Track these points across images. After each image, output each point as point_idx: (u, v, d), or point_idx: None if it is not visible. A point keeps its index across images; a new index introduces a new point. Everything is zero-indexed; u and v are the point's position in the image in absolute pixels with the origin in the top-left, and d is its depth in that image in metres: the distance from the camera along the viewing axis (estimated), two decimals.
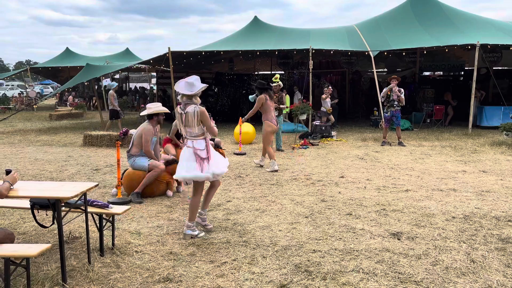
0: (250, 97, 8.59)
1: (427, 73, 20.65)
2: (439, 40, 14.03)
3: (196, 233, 4.44)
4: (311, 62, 13.30)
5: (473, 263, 3.74)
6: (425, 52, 16.31)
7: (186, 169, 4.36)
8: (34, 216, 3.92)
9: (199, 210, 4.64)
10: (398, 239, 4.32)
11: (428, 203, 5.63)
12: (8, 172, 3.50)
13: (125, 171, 6.24)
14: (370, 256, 3.89)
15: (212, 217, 5.12)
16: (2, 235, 3.25)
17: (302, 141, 11.22)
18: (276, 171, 7.79)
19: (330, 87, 13.42)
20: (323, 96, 13.13)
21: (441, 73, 20.34)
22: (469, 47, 14.45)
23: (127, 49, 29.80)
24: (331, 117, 13.12)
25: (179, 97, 4.47)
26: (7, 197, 3.32)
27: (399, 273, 3.54)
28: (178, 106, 4.48)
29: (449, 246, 4.13)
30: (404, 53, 16.68)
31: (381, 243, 4.21)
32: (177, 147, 7.85)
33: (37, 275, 3.50)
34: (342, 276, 3.49)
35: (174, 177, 4.51)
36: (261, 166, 8.24)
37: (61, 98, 30.49)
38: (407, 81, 17.61)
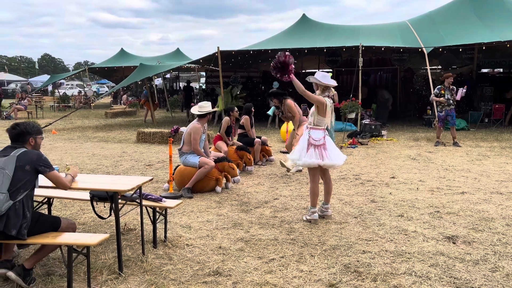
0: (269, 112, 8.08)
1: (485, 70, 19.50)
2: (500, 35, 13.19)
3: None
4: (360, 59, 12.99)
5: None
6: (484, 48, 15.39)
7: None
8: (93, 208, 4.14)
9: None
10: (454, 243, 4.14)
11: (487, 206, 5.34)
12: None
13: (176, 167, 6.44)
14: (423, 259, 3.76)
15: (259, 214, 5.17)
16: (65, 225, 3.48)
17: (351, 140, 11.01)
18: (300, 171, 7.57)
19: None
20: None
21: (501, 70, 19.14)
22: None
23: (178, 49, 30.56)
24: None
25: (319, 91, 4.92)
26: (70, 189, 3.54)
27: (454, 278, 3.39)
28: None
29: (509, 252, 3.90)
30: (460, 49, 15.84)
31: (435, 247, 4.05)
32: (227, 144, 7.96)
33: (96, 263, 3.70)
34: (393, 279, 3.40)
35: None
36: (300, 171, 7.63)
37: (115, 97, 31.89)
38: (463, 79, 16.74)
